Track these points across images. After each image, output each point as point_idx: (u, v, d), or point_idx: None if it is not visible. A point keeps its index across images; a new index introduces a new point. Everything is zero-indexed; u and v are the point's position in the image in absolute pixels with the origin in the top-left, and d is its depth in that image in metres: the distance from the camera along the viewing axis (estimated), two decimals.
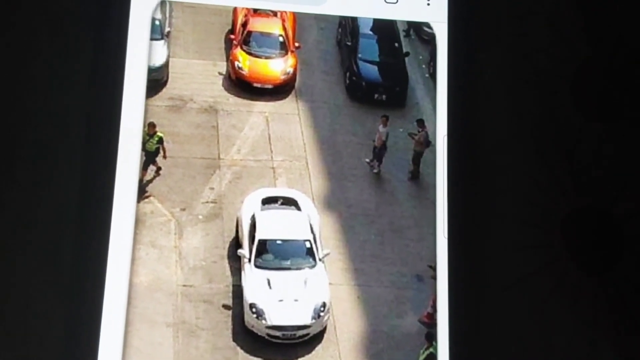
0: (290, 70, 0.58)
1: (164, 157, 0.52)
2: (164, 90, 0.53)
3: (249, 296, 0.51)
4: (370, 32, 0.59)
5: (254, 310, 0.50)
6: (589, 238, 0.53)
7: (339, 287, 0.52)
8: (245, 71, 0.58)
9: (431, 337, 0.48)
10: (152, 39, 0.49)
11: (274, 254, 0.53)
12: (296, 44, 0.57)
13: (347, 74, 0.58)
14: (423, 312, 0.50)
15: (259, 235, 0.53)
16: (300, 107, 0.56)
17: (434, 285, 0.49)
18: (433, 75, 0.52)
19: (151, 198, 0.51)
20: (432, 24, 0.52)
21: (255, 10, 0.57)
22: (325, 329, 0.51)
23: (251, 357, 0.49)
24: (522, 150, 0.53)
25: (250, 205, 0.53)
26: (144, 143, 0.49)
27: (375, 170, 0.55)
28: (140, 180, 0.48)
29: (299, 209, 0.54)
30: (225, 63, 0.57)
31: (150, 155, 0.51)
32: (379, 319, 0.50)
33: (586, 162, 0.54)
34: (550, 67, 0.54)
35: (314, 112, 0.56)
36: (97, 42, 0.49)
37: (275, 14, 0.57)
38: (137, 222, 0.47)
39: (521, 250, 0.51)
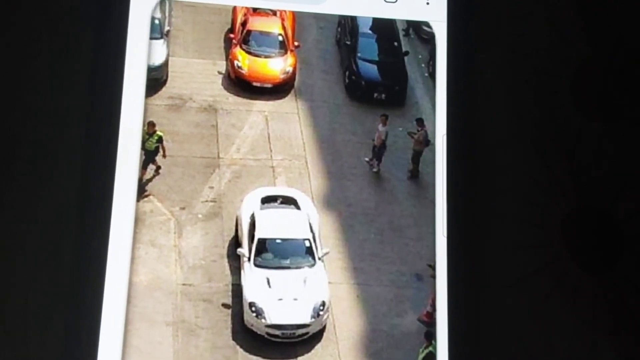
0: (290, 69, 0.58)
1: (164, 156, 0.52)
2: (164, 89, 0.53)
3: (249, 295, 0.51)
4: (370, 31, 0.59)
5: (253, 309, 0.50)
6: (589, 238, 0.53)
7: (338, 286, 0.52)
8: (245, 70, 0.58)
9: (430, 336, 0.49)
10: (151, 38, 0.49)
11: (274, 253, 0.53)
12: (295, 43, 0.57)
13: (347, 73, 0.58)
14: (422, 311, 0.50)
15: (258, 234, 0.53)
16: (299, 106, 0.56)
17: (433, 284, 0.49)
18: (432, 75, 0.52)
19: (151, 197, 0.51)
20: (431, 23, 0.52)
21: (255, 9, 0.57)
22: (324, 327, 0.51)
23: (251, 356, 0.49)
24: (522, 150, 0.53)
25: (249, 204, 0.53)
26: (143, 142, 0.49)
27: (374, 169, 0.55)
28: (140, 179, 0.48)
29: (298, 208, 0.54)
30: (224, 62, 0.57)
31: (150, 154, 0.51)
32: (379, 318, 0.50)
33: (586, 162, 0.54)
34: (550, 67, 0.54)
35: (314, 111, 0.56)
36: (96, 41, 0.49)
37: (274, 13, 0.57)
38: (137, 221, 0.47)
39: (521, 250, 0.51)
